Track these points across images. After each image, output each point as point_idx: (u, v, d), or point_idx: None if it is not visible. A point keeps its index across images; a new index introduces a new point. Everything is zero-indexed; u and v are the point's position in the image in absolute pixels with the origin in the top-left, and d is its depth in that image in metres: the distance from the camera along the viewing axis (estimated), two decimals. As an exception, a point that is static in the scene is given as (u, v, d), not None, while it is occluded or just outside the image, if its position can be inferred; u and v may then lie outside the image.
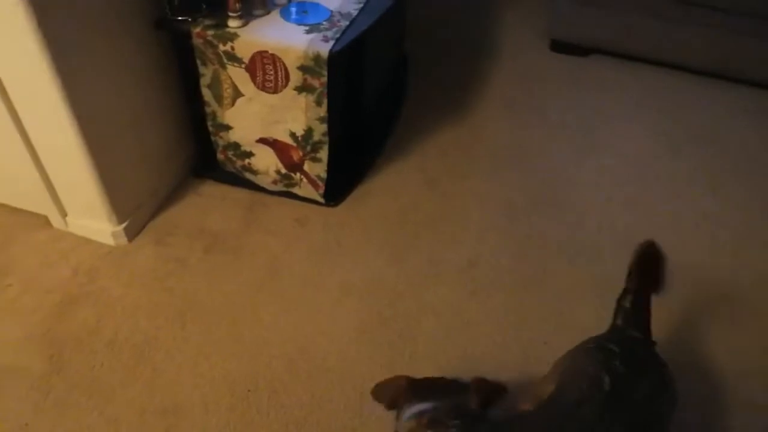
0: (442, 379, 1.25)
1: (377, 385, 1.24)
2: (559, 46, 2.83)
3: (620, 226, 2.05)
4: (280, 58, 1.63)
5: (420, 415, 1.10)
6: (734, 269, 1.93)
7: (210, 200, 2.05)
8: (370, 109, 2.08)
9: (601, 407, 1.06)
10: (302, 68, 1.64)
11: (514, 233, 2.00)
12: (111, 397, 1.52)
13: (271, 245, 1.92)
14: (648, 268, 1.28)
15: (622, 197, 2.16)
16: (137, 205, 1.88)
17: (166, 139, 1.95)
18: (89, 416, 1.48)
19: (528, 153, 2.33)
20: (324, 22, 1.70)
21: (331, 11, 1.75)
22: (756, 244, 2.02)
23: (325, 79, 1.65)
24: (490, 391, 1.16)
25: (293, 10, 1.74)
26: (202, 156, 2.04)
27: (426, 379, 1.23)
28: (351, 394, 1.55)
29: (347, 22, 1.70)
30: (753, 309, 1.83)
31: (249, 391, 1.54)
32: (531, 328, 1.72)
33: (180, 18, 1.64)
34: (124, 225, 1.83)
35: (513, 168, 2.26)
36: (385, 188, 2.13)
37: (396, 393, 1.18)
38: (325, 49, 1.60)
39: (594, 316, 1.69)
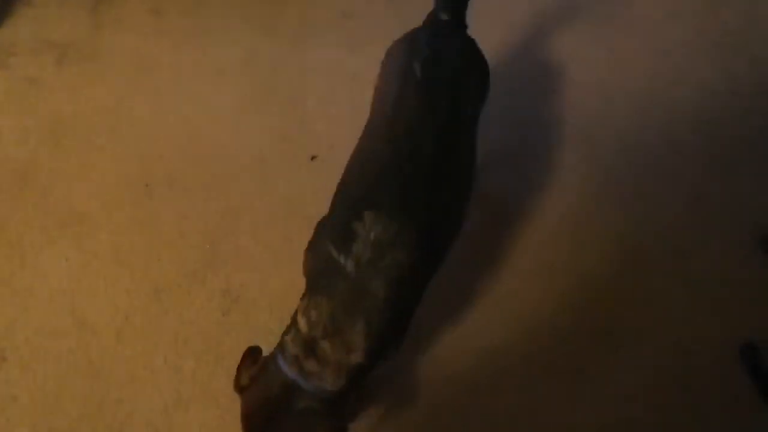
0: None
1: None
2: None
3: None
4: None
5: None
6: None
7: (45, 9, 1.82)
8: None
9: (417, 94, 1.06)
10: None
11: None
12: (5, 225, 1.45)
13: (129, 43, 1.76)
14: None
15: None
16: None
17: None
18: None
19: None
20: None
21: None
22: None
23: None
24: None
25: None
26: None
27: None
28: (251, 164, 1.54)
29: None
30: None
31: (147, 185, 1.51)
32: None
33: None
34: (-50, 54, 1.61)
35: None
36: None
37: None
38: None
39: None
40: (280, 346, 0.94)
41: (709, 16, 1.77)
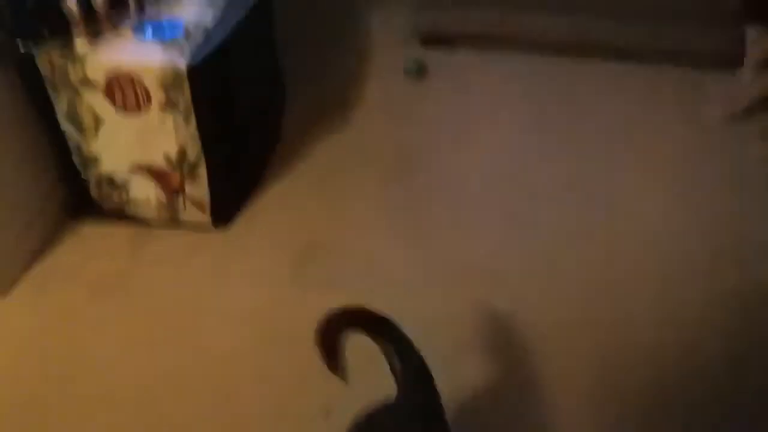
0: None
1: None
2: (428, 40, 2.91)
3: (502, 211, 2.11)
4: (138, 77, 1.59)
5: None
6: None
7: (91, 241, 1.93)
8: (248, 120, 2.04)
9: None
10: (163, 86, 1.60)
11: (403, 233, 2.00)
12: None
13: (162, 279, 1.82)
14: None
15: (504, 186, 2.22)
16: (6, 257, 1.74)
17: (30, 182, 1.82)
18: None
19: (409, 152, 2.34)
20: (180, 37, 1.67)
21: (187, 25, 1.72)
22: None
23: (188, 95, 1.62)
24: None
25: (148, 27, 1.70)
26: (77, 195, 1.92)
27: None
28: (265, 409, 1.48)
29: (204, 35, 1.68)
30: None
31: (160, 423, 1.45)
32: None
33: (22, 46, 1.56)
34: (-7, 280, 1.69)
35: (398, 170, 2.26)
36: (276, 202, 2.09)
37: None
38: (182, 64, 1.57)
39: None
40: None
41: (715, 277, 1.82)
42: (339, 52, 2.91)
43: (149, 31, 1.68)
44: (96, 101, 1.64)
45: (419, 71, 2.73)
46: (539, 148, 2.38)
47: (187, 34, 1.68)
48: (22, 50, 1.56)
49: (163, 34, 1.67)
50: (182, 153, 1.76)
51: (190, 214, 1.93)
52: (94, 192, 1.90)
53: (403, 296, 1.72)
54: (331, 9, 3.26)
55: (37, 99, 1.66)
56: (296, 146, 2.32)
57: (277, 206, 2.08)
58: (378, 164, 2.28)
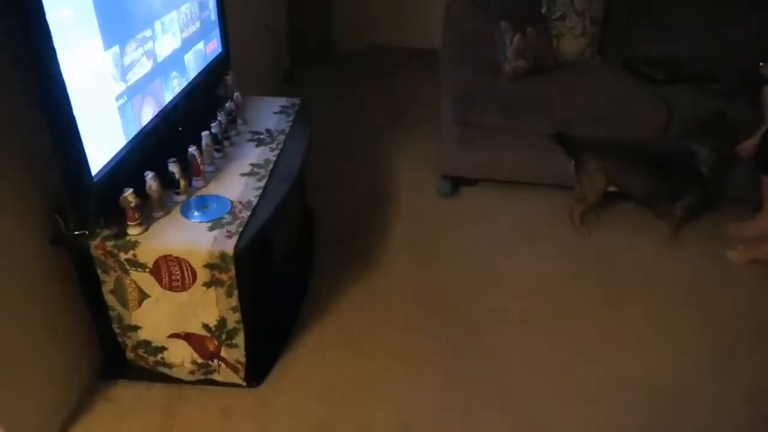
0: None
1: None
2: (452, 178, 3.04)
3: (537, 355, 2.14)
4: (185, 260, 1.63)
5: None
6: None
7: (123, 405, 1.91)
8: (282, 280, 2.08)
9: None
10: (209, 266, 1.64)
11: (442, 384, 2.02)
12: None
13: (194, 444, 1.80)
14: None
15: (535, 327, 2.27)
16: (36, 427, 1.72)
17: (67, 348, 1.83)
18: None
19: (437, 294, 2.41)
20: (226, 216, 1.73)
21: (232, 202, 1.79)
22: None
23: (233, 273, 1.66)
24: None
25: (194, 206, 1.77)
26: (111, 358, 1.93)
27: None
28: None
29: (249, 212, 1.75)
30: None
31: None
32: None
33: (77, 233, 1.61)
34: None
35: (427, 313, 2.31)
36: (307, 356, 2.10)
37: None
38: (230, 247, 1.62)
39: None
40: None
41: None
42: (366, 197, 3.02)
43: (197, 210, 1.74)
44: (143, 280, 1.68)
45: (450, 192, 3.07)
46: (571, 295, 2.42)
47: (234, 213, 1.74)
48: (76, 239, 1.61)
49: (210, 213, 1.73)
50: (222, 322, 1.78)
51: (224, 375, 1.93)
52: (129, 355, 1.90)
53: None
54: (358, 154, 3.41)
55: (86, 277, 1.70)
56: (325, 294, 2.35)
57: (308, 361, 2.07)
58: (408, 311, 2.31)
